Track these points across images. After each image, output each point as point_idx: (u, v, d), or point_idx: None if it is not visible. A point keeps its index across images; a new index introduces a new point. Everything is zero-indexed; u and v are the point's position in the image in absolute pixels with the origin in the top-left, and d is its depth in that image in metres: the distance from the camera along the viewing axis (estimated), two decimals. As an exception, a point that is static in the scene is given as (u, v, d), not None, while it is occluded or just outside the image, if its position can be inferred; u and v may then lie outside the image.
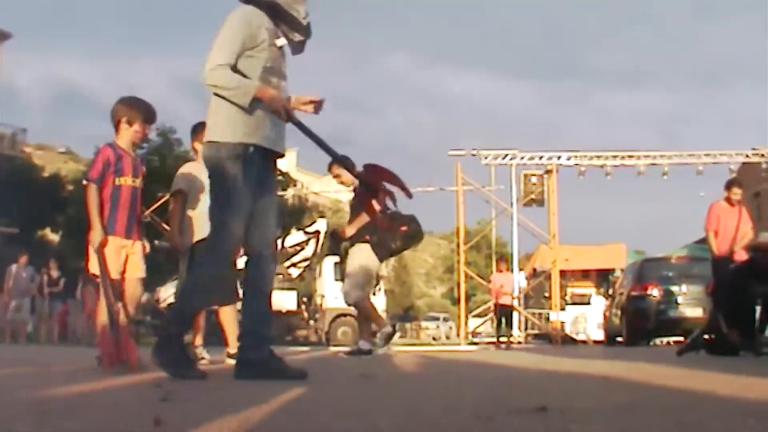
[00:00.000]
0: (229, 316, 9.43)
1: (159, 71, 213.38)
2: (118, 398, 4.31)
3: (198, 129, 8.85)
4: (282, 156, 5.96)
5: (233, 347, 8.98)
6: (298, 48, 5.91)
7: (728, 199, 14.27)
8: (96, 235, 6.84)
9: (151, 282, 30.92)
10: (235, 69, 5.49)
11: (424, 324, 60.13)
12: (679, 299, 20.71)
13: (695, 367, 6.60)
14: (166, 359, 5.52)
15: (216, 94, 5.55)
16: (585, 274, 40.05)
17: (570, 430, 2.57)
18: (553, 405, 3.21)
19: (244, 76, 5.50)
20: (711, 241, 14.23)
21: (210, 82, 5.47)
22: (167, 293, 29.56)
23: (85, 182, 7.27)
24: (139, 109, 7.22)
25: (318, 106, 5.94)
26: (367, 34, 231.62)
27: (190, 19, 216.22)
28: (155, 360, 5.59)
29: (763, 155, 33.71)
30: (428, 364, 8.98)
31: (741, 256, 14.06)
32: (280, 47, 5.76)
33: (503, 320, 23.36)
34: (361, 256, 11.97)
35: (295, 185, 57.80)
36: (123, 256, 7.10)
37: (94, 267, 6.91)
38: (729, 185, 14.61)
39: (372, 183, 5.99)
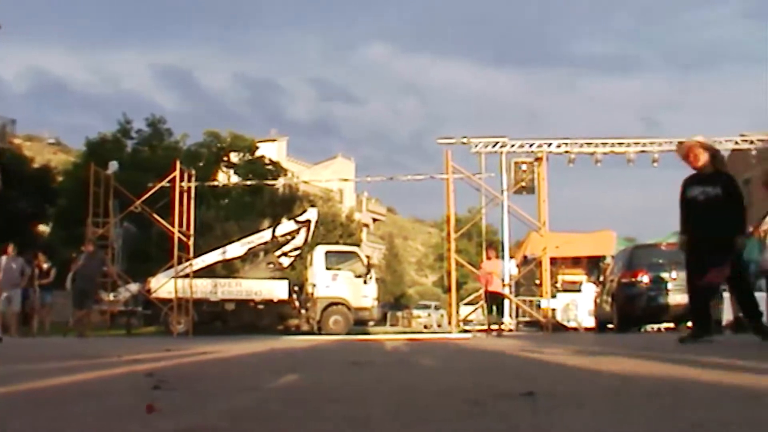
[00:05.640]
0: None
1: (142, 61, 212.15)
2: (111, 387, 4.34)
3: None
4: None
5: None
6: None
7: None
8: None
9: (142, 272, 31.00)
10: None
11: (415, 312, 60.12)
12: (669, 286, 20.77)
13: (684, 354, 6.65)
14: None
15: None
16: (576, 262, 40.07)
17: (556, 413, 2.61)
18: (541, 390, 3.26)
19: None
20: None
21: None
22: (158, 283, 29.60)
23: None
24: None
25: None
26: (348, 23, 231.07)
27: (174, 9, 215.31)
28: None
29: (752, 141, 33.81)
30: (419, 352, 9.03)
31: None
32: None
33: (494, 308, 23.40)
34: None
35: (285, 175, 57.83)
36: None
37: None
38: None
39: None
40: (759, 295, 17.55)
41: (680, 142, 10.88)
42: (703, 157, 10.24)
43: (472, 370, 5.40)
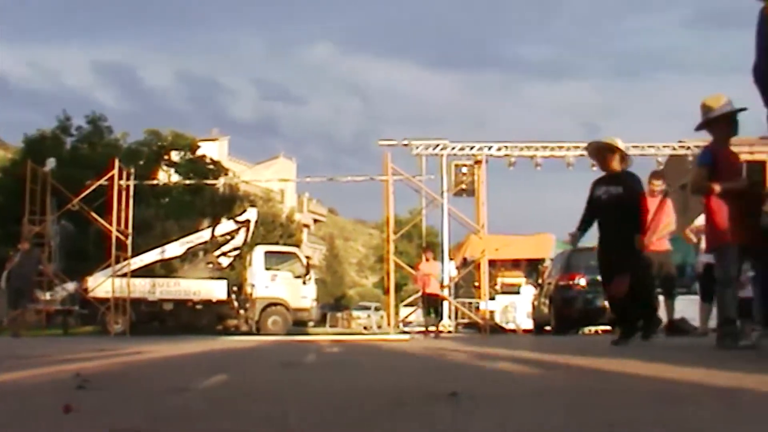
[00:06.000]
0: None
1: (83, 57, 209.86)
2: (36, 386, 4.30)
3: None
4: None
5: None
6: None
7: (650, 191, 14.51)
8: None
9: (80, 271, 30.65)
10: None
11: (355, 313, 60.05)
12: (606, 289, 20.98)
13: (614, 356, 6.73)
14: None
15: None
16: (515, 264, 40.38)
17: (476, 414, 2.64)
18: (466, 391, 3.29)
19: None
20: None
21: None
22: (95, 282, 29.31)
23: None
24: None
25: None
26: (291, 23, 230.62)
27: (117, 5, 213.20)
28: None
29: (689, 147, 34.23)
30: (353, 353, 9.04)
31: (659, 246, 14.35)
32: None
33: (431, 309, 23.46)
34: None
35: (226, 174, 57.54)
36: None
37: None
38: (649, 177, 14.89)
39: None
40: (693, 298, 17.90)
41: (590, 143, 10.99)
42: (611, 158, 10.37)
43: (402, 372, 5.43)
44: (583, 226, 10.71)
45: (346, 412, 2.80)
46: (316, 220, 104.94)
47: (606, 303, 20.97)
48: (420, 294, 24.71)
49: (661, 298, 15.26)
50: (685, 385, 3.54)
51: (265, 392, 3.70)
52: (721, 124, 8.39)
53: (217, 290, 30.94)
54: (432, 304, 23.23)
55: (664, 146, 34.34)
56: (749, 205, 9.16)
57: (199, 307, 30.65)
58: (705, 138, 9.66)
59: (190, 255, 34.46)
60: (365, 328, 49.15)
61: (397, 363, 6.81)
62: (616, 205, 10.29)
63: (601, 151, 10.56)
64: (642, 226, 10.38)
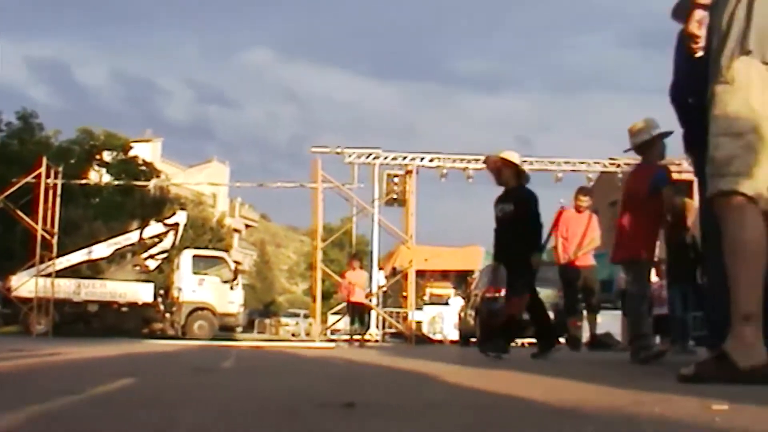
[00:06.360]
0: None
1: (16, 52, 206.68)
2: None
3: None
4: None
5: None
6: None
7: (576, 207, 14.71)
8: None
9: (4, 270, 30.21)
10: None
11: (284, 320, 59.94)
12: (531, 303, 21.21)
13: (523, 370, 6.78)
14: None
15: None
16: (444, 275, 40.66)
17: (368, 424, 2.65)
18: (365, 401, 3.29)
19: None
20: (558, 247, 14.67)
21: None
22: (19, 281, 28.92)
23: None
24: None
25: None
26: (229, 26, 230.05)
27: (52, 1, 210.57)
28: None
29: (619, 165, 34.68)
30: (270, 360, 9.00)
31: (584, 261, 14.53)
32: None
33: (356, 318, 23.47)
34: None
35: (159, 176, 57.09)
36: None
37: None
38: (576, 193, 15.11)
39: None
40: (617, 314, 18.15)
41: (486, 157, 10.82)
42: (506, 173, 10.24)
43: (309, 380, 5.42)
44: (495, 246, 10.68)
45: (233, 420, 2.78)
46: (247, 226, 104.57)
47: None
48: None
49: (585, 313, 15.47)
50: (583, 401, 3.58)
51: (163, 398, 3.66)
52: (652, 146, 8.51)
53: (143, 293, 30.72)
54: (357, 313, 23.25)
55: (595, 163, 34.78)
56: (675, 223, 9.31)
57: (124, 309, 30.40)
58: (636, 157, 9.76)
59: (117, 256, 34.15)
60: (293, 335, 49.05)
61: (309, 371, 6.79)
62: (508, 223, 10.19)
63: (497, 166, 10.40)
64: (534, 244, 10.19)
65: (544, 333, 10.39)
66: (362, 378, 5.77)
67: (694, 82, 5.53)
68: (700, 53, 4.66)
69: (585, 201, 14.77)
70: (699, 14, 4.52)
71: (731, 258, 4.41)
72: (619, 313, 17.96)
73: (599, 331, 15.88)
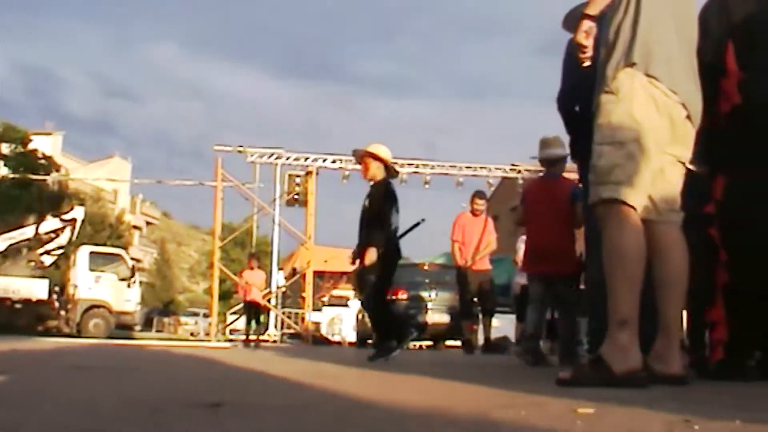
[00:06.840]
0: None
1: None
2: None
3: None
4: None
5: None
6: None
7: (472, 210, 14.89)
8: None
9: None
10: None
11: (183, 319, 59.56)
12: (429, 305, 21.50)
13: (407, 372, 6.85)
14: None
15: None
16: (345, 276, 40.69)
17: (226, 424, 2.67)
18: (233, 401, 3.29)
19: None
20: (455, 251, 14.83)
21: None
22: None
23: None
24: None
25: None
26: (135, 20, 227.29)
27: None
28: None
29: (520, 171, 35.16)
30: (154, 360, 8.91)
31: (481, 265, 14.73)
32: None
33: (252, 318, 23.36)
34: None
35: (58, 170, 56.18)
36: None
37: None
38: (472, 196, 15.29)
39: None
40: (512, 317, 18.37)
41: (354, 150, 10.67)
42: (373, 167, 10.04)
43: (187, 380, 5.39)
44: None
45: (91, 417, 2.77)
46: (149, 223, 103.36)
47: (434, 318, 21.61)
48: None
49: (480, 316, 15.64)
50: (457, 404, 3.65)
51: (28, 395, 3.62)
52: (563, 162, 8.87)
53: (37, 289, 30.14)
54: (254, 313, 23.14)
55: (496, 168, 35.13)
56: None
57: (18, 306, 29.79)
58: (536, 164, 10.02)
59: (12, 252, 33.45)
60: (192, 334, 48.73)
61: (187, 370, 6.74)
62: (362, 217, 10.12)
63: (363, 159, 10.17)
64: (372, 238, 9.83)
65: (384, 335, 10.06)
66: (241, 379, 5.76)
67: (581, 91, 5.70)
68: (587, 63, 4.78)
69: (481, 204, 14.94)
70: (587, 25, 4.61)
71: (610, 263, 4.54)
72: (512, 317, 18.20)
73: (496, 335, 16.09)
